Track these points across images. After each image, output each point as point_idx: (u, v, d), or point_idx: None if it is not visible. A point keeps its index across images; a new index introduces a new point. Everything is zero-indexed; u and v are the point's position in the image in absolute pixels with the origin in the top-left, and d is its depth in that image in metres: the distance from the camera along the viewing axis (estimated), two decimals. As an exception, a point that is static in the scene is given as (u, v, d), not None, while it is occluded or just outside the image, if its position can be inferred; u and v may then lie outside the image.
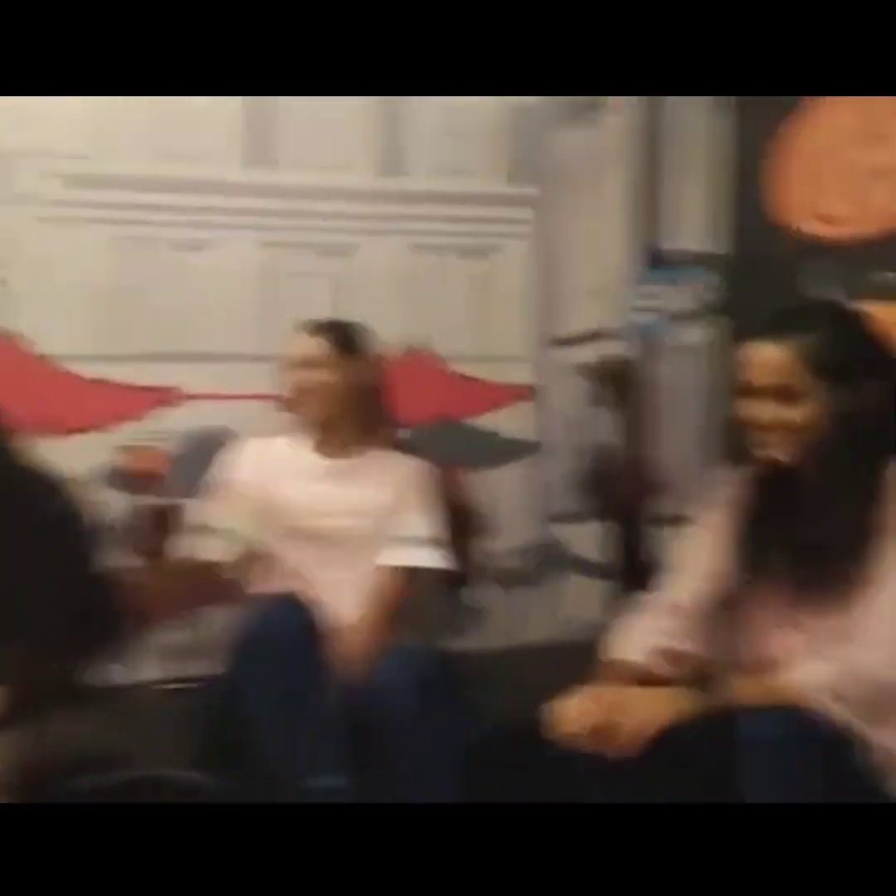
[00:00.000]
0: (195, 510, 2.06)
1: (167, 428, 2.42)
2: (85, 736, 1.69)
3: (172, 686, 2.32)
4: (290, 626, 1.75)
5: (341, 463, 2.04)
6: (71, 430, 2.26)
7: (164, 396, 2.43)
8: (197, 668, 2.31)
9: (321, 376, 2.00)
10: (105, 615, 1.74)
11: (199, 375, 2.44)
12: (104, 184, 2.40)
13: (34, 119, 2.33)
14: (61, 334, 2.36)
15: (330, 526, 1.99)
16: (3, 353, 2.28)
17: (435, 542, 2.03)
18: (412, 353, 2.57)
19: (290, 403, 2.03)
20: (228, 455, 2.05)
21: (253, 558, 1.99)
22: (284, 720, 1.71)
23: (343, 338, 2.07)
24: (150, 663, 2.33)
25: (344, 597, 1.93)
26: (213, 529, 1.97)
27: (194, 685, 2.26)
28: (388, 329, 2.52)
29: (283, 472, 2.03)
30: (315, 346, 2.03)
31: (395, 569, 1.99)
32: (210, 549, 1.97)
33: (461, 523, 2.53)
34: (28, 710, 1.54)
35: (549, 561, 2.72)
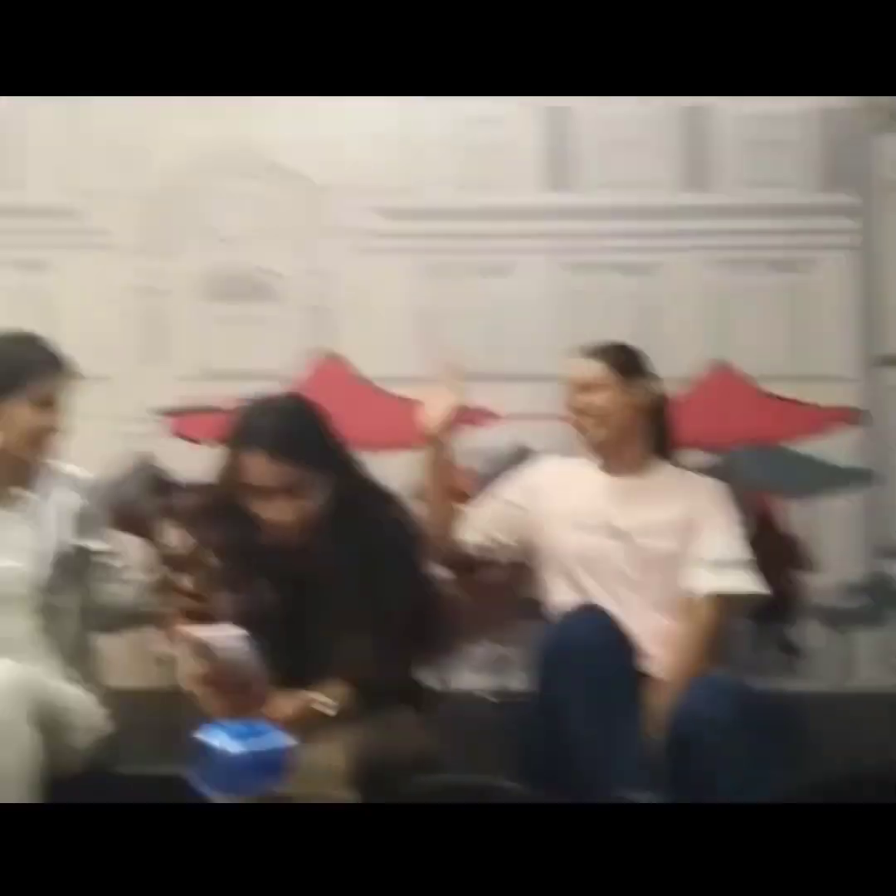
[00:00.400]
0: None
1: (474, 447, 2.49)
2: (416, 738, 1.76)
3: (489, 696, 2.38)
4: (599, 637, 1.72)
5: (630, 482, 2.01)
6: (385, 448, 2.38)
7: (475, 417, 2.50)
8: (510, 680, 2.40)
9: (599, 399, 1.99)
10: (435, 622, 1.81)
11: (505, 396, 2.46)
12: (415, 215, 2.52)
13: (351, 156, 2.50)
14: (377, 357, 2.49)
15: (620, 545, 1.96)
16: (328, 374, 2.45)
17: (747, 565, 1.93)
18: (720, 372, 2.49)
19: (571, 425, 2.04)
20: (520, 471, 2.09)
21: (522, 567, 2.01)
22: (596, 733, 1.68)
23: (620, 360, 2.05)
24: (465, 673, 2.41)
25: (636, 619, 1.89)
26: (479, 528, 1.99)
27: (499, 699, 2.33)
28: (694, 348, 2.48)
29: (572, 491, 2.03)
30: (593, 369, 2.03)
31: (709, 595, 1.92)
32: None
33: (779, 554, 2.40)
34: (368, 709, 1.62)
35: (882, 600, 2.51)
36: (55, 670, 1.87)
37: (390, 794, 1.62)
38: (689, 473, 2.11)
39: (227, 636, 1.43)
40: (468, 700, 2.37)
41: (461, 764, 1.85)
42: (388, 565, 1.75)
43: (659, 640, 1.94)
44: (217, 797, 1.41)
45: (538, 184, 2.52)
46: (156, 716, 2.27)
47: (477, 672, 2.45)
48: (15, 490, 2.00)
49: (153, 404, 2.49)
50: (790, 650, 2.49)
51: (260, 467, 1.72)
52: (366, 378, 2.49)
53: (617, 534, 2.04)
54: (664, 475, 2.15)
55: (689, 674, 1.87)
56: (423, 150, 2.55)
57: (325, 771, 1.49)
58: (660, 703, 1.79)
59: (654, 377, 2.12)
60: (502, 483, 2.12)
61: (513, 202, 2.53)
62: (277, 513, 1.71)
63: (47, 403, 1.93)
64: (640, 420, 2.10)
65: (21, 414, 1.95)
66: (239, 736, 1.24)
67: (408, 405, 2.60)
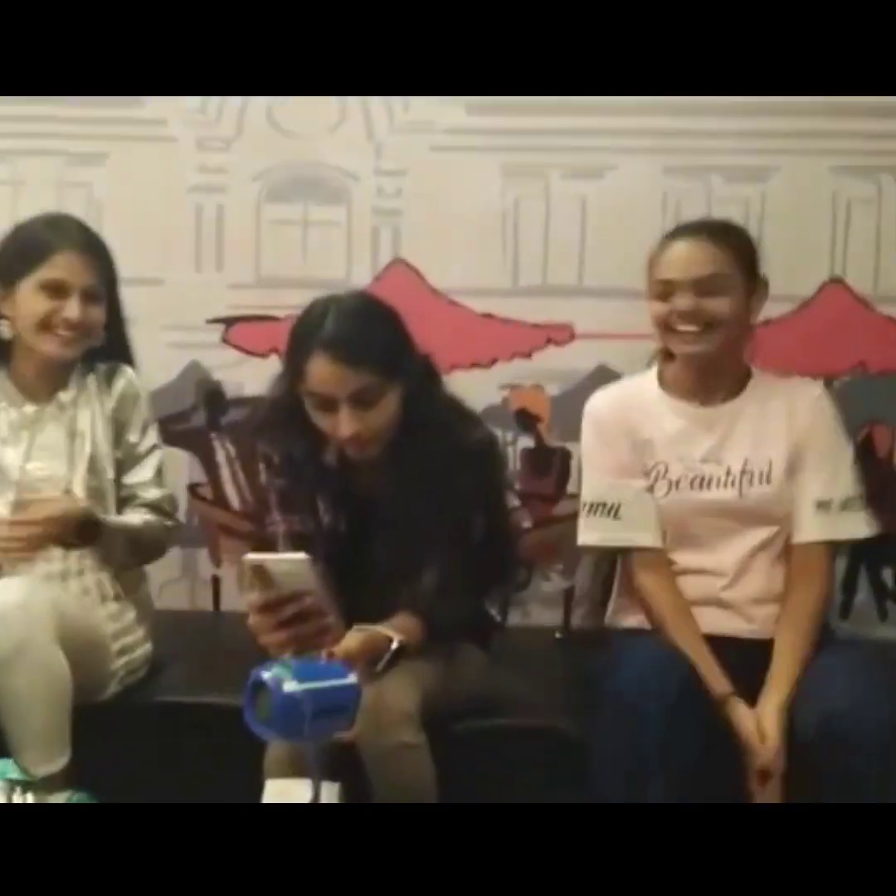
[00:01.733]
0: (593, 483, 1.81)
1: (553, 367, 2.32)
2: (483, 678, 1.65)
3: (556, 632, 2.29)
4: (662, 699, 1.46)
5: (720, 411, 1.72)
6: (457, 366, 2.22)
7: (553, 334, 2.33)
8: (574, 618, 2.29)
9: (719, 304, 1.65)
10: (506, 553, 1.68)
11: (588, 311, 2.31)
12: (499, 110, 2.30)
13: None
14: (452, 267, 2.34)
15: (714, 492, 1.69)
16: (397, 285, 2.28)
17: (859, 503, 1.70)
18: (833, 292, 2.30)
19: (664, 332, 1.70)
20: (596, 401, 1.84)
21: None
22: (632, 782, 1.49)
23: (745, 249, 1.70)
24: (531, 609, 2.31)
25: (738, 577, 1.69)
26: (610, 512, 1.72)
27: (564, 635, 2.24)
28: (807, 264, 2.27)
29: (654, 430, 1.75)
30: (715, 259, 1.66)
31: (820, 543, 1.68)
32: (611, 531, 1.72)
33: (885, 490, 2.22)
34: (436, 644, 1.50)
35: None
36: (100, 583, 1.75)
37: (451, 737, 1.50)
38: (786, 383, 1.81)
39: (288, 560, 1.29)
40: (532, 636, 2.25)
41: (523, 704, 1.74)
42: (462, 489, 1.60)
43: (763, 598, 1.71)
44: (274, 740, 1.29)
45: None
46: (201, 640, 2.18)
47: (542, 606, 2.34)
48: (50, 387, 1.87)
49: (207, 312, 2.37)
50: (885, 593, 2.34)
51: (325, 372, 1.57)
52: (439, 289, 2.34)
53: (708, 478, 1.76)
54: (759, 393, 1.82)
55: (807, 648, 1.61)
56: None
57: (393, 713, 1.37)
58: (781, 693, 1.55)
59: (763, 276, 1.76)
60: (593, 432, 1.78)
61: (608, 96, 2.29)
62: (343, 425, 1.56)
63: (58, 289, 1.79)
64: (745, 330, 1.76)
65: (29, 298, 1.81)
66: (301, 674, 1.12)
67: (485, 321, 2.44)
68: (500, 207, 2.34)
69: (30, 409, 1.77)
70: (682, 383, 1.76)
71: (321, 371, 1.49)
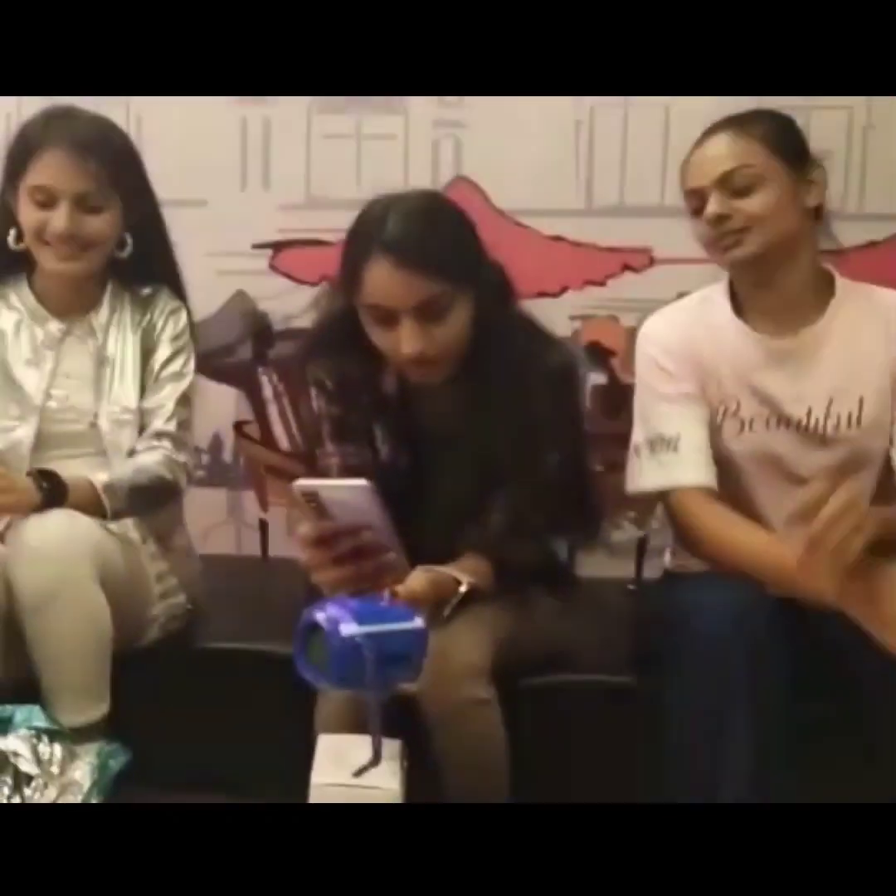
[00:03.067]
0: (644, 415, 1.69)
1: (629, 295, 2.17)
2: (557, 629, 1.54)
3: (630, 586, 2.20)
4: (751, 635, 1.35)
5: (800, 336, 1.54)
6: (523, 295, 2.08)
7: (629, 259, 2.19)
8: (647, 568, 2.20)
9: (756, 203, 1.49)
10: (587, 495, 1.55)
11: (667, 234, 2.14)
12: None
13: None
14: (519, 184, 2.20)
15: (793, 438, 1.54)
16: (459, 204, 2.13)
17: None
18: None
19: (707, 244, 1.57)
20: (654, 321, 1.69)
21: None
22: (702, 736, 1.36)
23: (781, 135, 1.54)
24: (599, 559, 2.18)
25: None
26: (669, 444, 1.58)
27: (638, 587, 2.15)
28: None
29: (725, 350, 1.58)
30: (743, 151, 1.51)
31: None
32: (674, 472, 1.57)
33: None
34: (507, 592, 1.39)
35: None
36: (138, 524, 1.65)
37: (518, 691, 1.42)
38: (881, 296, 1.61)
39: (346, 487, 1.18)
40: (603, 587, 2.13)
41: (594, 658, 1.64)
42: (538, 418, 1.48)
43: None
44: (329, 689, 1.19)
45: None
46: (248, 587, 2.09)
47: (612, 556, 2.19)
48: (79, 306, 1.74)
49: (254, 236, 2.28)
50: None
51: (387, 279, 1.44)
52: (505, 210, 2.20)
53: (786, 418, 1.56)
54: (845, 313, 1.57)
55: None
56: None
57: (461, 666, 1.27)
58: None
59: (818, 162, 1.57)
60: (651, 365, 1.63)
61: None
62: (406, 342, 1.44)
63: (46, 196, 1.62)
64: (809, 232, 1.56)
65: (24, 206, 1.66)
66: (361, 615, 1.01)
67: (555, 244, 2.29)
68: (572, 118, 2.19)
69: (55, 326, 1.68)
70: (751, 305, 1.62)
71: (382, 278, 1.36)
